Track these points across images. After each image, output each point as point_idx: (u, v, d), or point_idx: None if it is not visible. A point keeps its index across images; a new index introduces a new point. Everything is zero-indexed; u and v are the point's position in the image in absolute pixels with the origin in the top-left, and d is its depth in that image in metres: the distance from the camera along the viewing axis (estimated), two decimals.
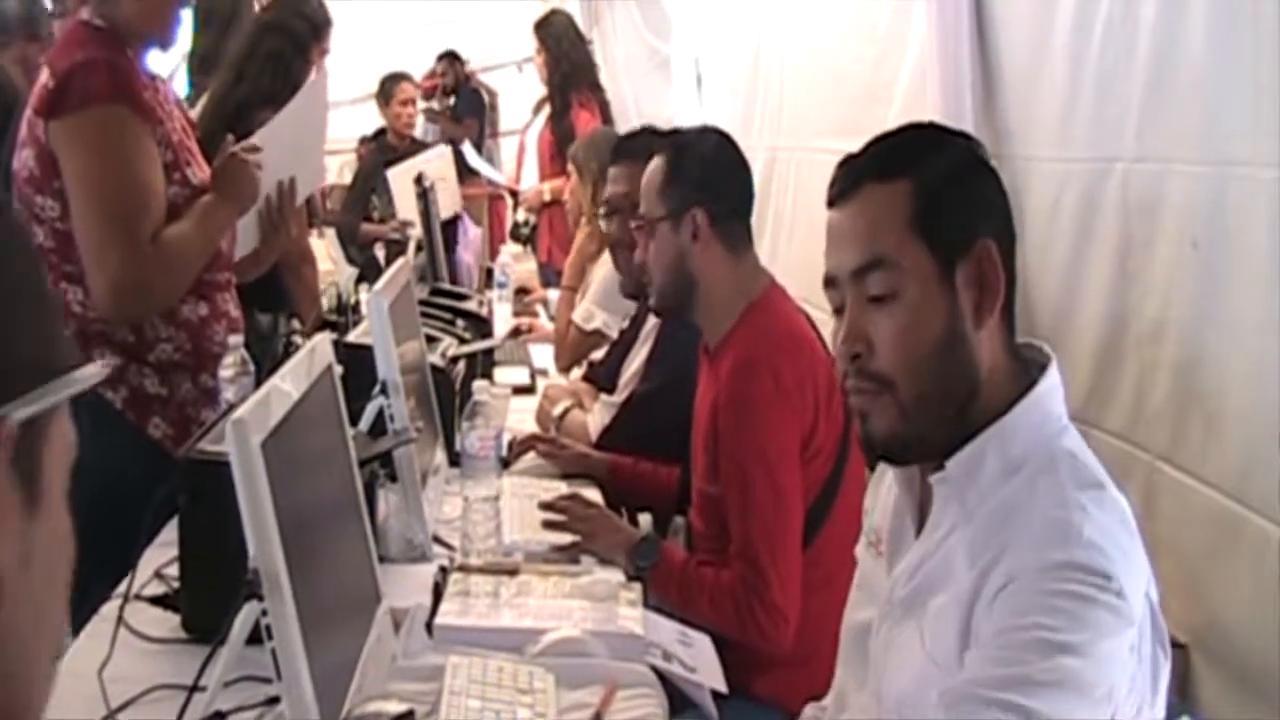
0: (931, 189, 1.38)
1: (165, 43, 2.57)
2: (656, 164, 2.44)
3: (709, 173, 2.41)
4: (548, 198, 5.93)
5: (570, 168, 3.97)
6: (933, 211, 1.37)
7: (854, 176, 1.42)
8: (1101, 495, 1.34)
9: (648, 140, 2.80)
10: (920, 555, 1.40)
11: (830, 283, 1.45)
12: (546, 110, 6.16)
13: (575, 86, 5.94)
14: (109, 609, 1.95)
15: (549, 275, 5.81)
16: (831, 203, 1.46)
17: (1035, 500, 1.31)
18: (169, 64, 3.56)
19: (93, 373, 0.69)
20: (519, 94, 8.04)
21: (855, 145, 4.05)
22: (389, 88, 6.82)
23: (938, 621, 1.34)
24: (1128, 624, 1.25)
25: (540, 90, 6.34)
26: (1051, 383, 1.40)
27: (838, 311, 1.43)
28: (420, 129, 7.74)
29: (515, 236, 6.37)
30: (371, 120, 7.36)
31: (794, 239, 4.45)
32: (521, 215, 6.30)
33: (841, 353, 1.40)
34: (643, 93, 6.66)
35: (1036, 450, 1.35)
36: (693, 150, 2.45)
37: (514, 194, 6.77)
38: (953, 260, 1.36)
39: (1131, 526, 1.37)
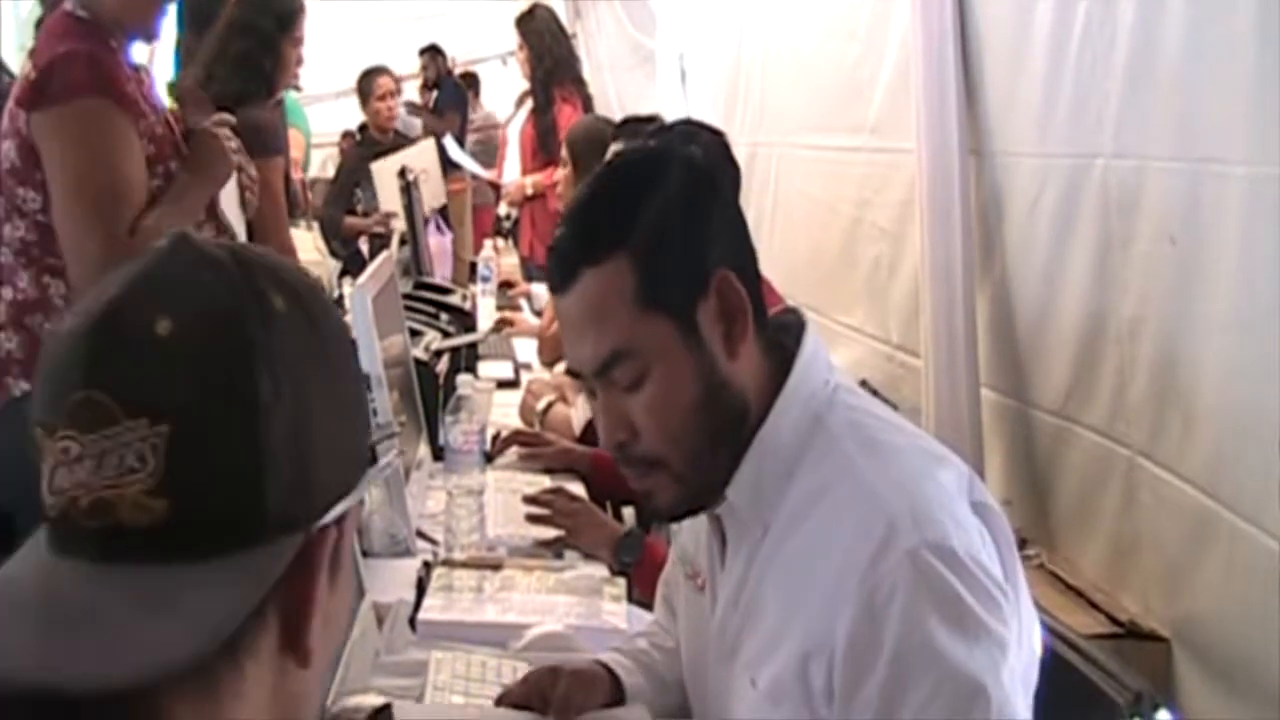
0: (649, 254, 1.28)
1: (149, 35, 2.56)
2: None
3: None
4: (530, 192, 5.93)
5: (565, 154, 3.95)
6: (657, 277, 1.28)
7: (568, 266, 1.31)
8: (883, 448, 1.29)
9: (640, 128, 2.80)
10: (731, 593, 1.36)
11: (576, 374, 1.39)
12: (529, 104, 6.16)
13: (558, 81, 5.94)
14: None
15: (531, 269, 5.81)
16: (554, 290, 1.35)
17: (834, 493, 1.27)
18: (147, 52, 3.55)
19: (387, 457, 0.79)
20: (502, 87, 8.04)
21: (835, 141, 4.08)
22: (367, 84, 6.80)
23: (767, 659, 1.29)
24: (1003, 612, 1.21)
25: (523, 84, 6.34)
26: (807, 358, 1.34)
27: (591, 394, 1.37)
28: (401, 123, 7.72)
29: (499, 231, 6.36)
30: (354, 114, 7.35)
31: (774, 234, 4.46)
32: (503, 209, 6.30)
33: (606, 442, 1.35)
34: (625, 88, 6.67)
35: (811, 435, 1.31)
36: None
37: (496, 187, 6.77)
38: (691, 309, 1.29)
39: (934, 449, 1.33)
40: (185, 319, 0.70)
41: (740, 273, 1.32)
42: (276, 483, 0.71)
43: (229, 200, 2.73)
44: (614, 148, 3.02)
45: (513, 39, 6.22)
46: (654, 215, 1.30)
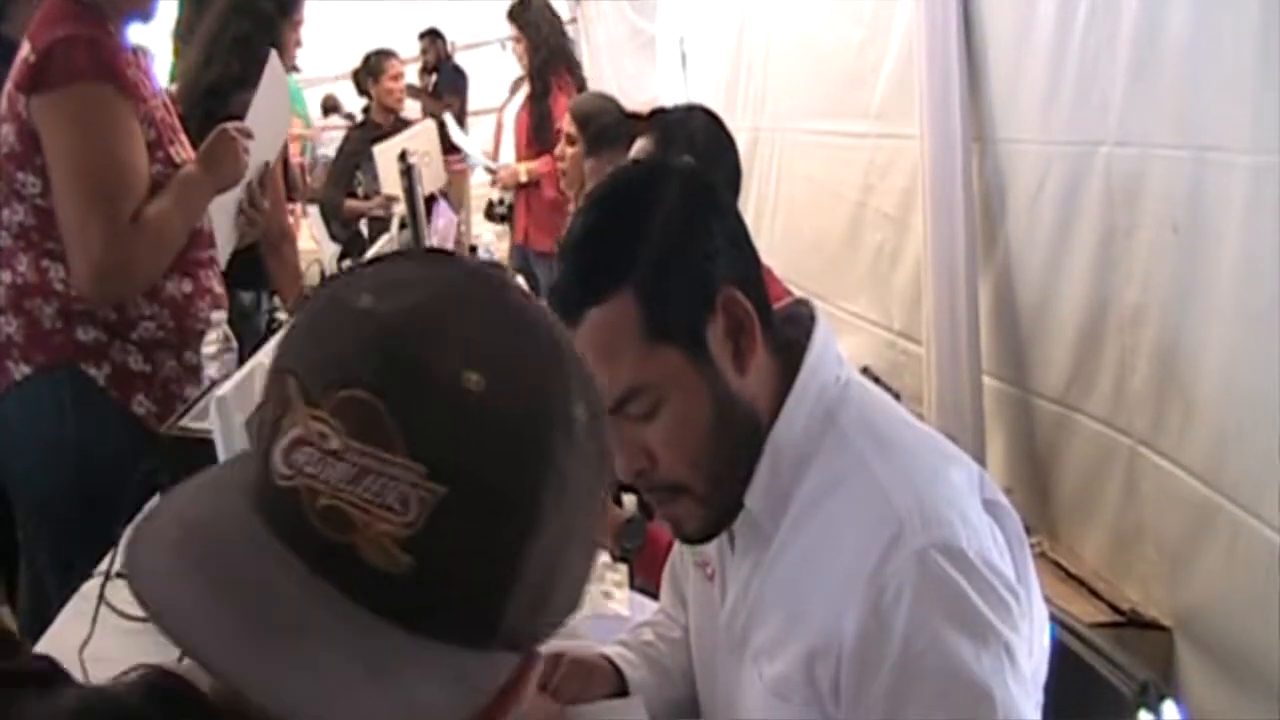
0: (652, 286, 1.25)
1: (146, 16, 2.54)
2: (643, 144, 2.43)
3: (698, 151, 2.40)
4: (524, 179, 5.92)
5: (572, 130, 3.91)
6: (663, 308, 1.25)
7: (571, 306, 1.26)
8: (894, 447, 1.28)
9: (623, 126, 2.79)
10: (740, 586, 1.36)
11: None
12: (525, 90, 6.14)
13: (554, 70, 5.95)
14: (90, 587, 1.94)
15: (528, 256, 5.80)
16: None
17: (844, 491, 1.26)
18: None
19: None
20: (501, 72, 8.01)
21: (839, 126, 4.05)
22: (376, 64, 6.77)
23: (774, 656, 1.29)
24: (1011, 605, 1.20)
25: (518, 69, 6.34)
26: (816, 354, 1.32)
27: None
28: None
29: (490, 215, 6.33)
30: (351, 97, 7.32)
31: (777, 220, 4.45)
32: (496, 195, 6.27)
33: (625, 473, 1.32)
34: (625, 72, 6.65)
35: (822, 432, 1.30)
36: (681, 128, 2.44)
37: (493, 172, 6.75)
38: (700, 333, 1.27)
39: (944, 448, 1.33)
40: (497, 384, 0.64)
41: (744, 283, 1.30)
42: (521, 595, 0.66)
43: (223, 212, 2.70)
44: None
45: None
46: (654, 246, 1.26)
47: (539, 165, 5.80)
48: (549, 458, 0.65)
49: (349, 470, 0.63)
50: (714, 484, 1.31)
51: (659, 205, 1.29)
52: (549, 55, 5.93)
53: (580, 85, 6.00)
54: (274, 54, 2.99)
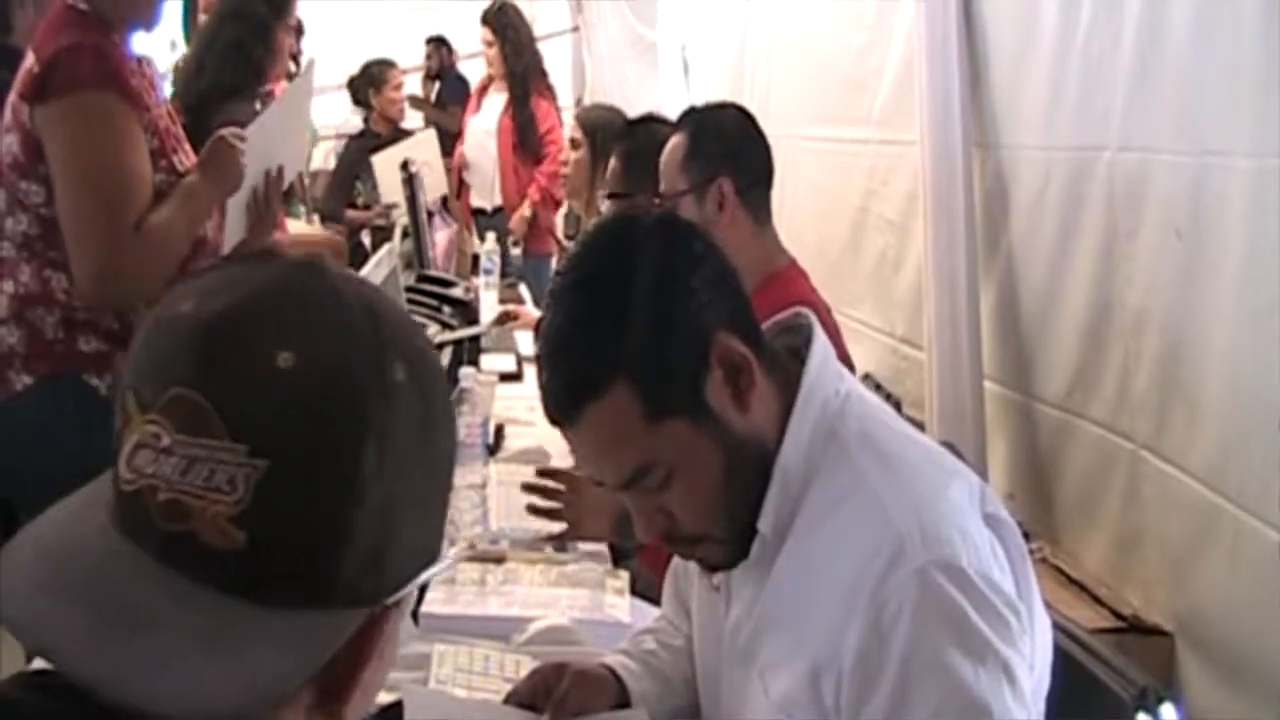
0: (646, 368, 1.23)
1: (149, 25, 2.55)
2: (677, 140, 2.43)
3: (731, 143, 2.42)
4: (528, 213, 5.92)
5: (578, 136, 3.91)
6: (660, 387, 1.23)
7: (568, 406, 1.26)
8: (895, 463, 1.28)
9: (653, 127, 2.80)
10: (745, 601, 1.36)
11: (600, 482, 1.37)
12: (504, 97, 6.14)
13: (533, 75, 5.98)
14: None
15: (526, 263, 5.81)
16: (557, 425, 1.30)
17: (846, 508, 1.26)
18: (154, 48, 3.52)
19: (450, 558, 0.78)
20: None
21: (841, 133, 4.04)
22: (378, 74, 6.77)
23: (779, 671, 1.29)
24: (1012, 615, 1.21)
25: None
26: (814, 372, 1.31)
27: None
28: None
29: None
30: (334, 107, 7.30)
31: (780, 227, 4.43)
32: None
33: (645, 534, 1.33)
34: (627, 79, 6.65)
35: (825, 448, 1.29)
36: (713, 122, 2.45)
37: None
38: (699, 394, 1.25)
39: (945, 463, 1.33)
40: (308, 359, 0.69)
41: (733, 321, 1.28)
42: (354, 553, 0.70)
43: (237, 205, 2.70)
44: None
45: None
46: (638, 327, 1.23)
47: (534, 191, 5.84)
48: (365, 421, 0.70)
49: (180, 463, 0.68)
50: (733, 522, 1.31)
51: (632, 280, 1.25)
52: (531, 60, 5.96)
53: (554, 95, 6.07)
54: (311, 63, 2.98)
